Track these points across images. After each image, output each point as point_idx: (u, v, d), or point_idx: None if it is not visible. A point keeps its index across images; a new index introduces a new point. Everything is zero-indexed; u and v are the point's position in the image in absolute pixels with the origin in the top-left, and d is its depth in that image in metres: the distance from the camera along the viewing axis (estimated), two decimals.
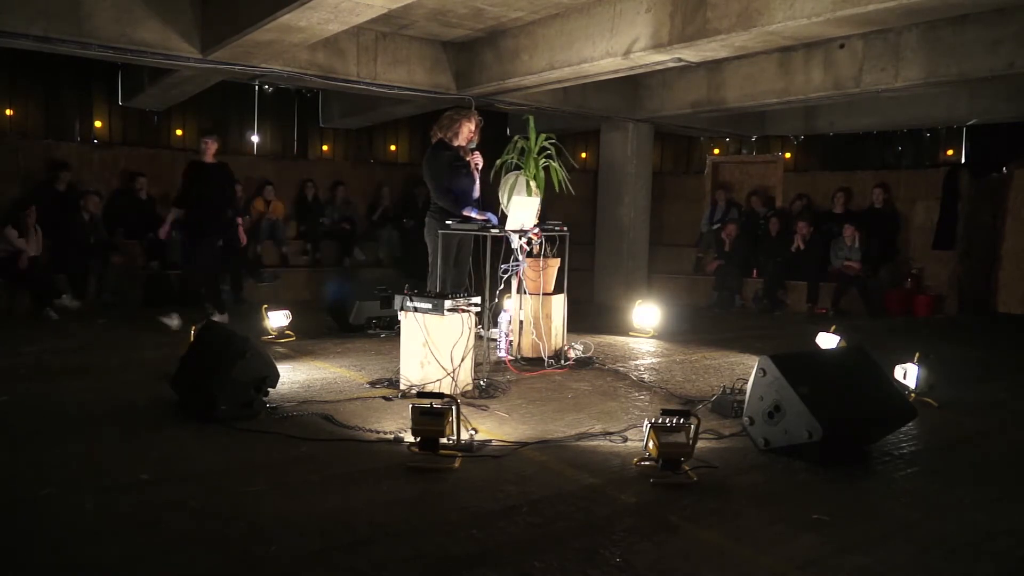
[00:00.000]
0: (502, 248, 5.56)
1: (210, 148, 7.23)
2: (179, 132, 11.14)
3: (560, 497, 3.12)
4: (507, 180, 5.86)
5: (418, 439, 3.44)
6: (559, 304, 6.04)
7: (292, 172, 11.32)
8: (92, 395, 4.60)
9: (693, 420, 3.33)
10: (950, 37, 7.20)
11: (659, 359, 6.35)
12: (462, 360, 4.69)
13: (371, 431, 3.95)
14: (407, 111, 10.69)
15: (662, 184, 12.18)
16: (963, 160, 10.93)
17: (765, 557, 2.65)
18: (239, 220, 8.07)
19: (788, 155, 12.39)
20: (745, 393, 3.97)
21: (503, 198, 5.83)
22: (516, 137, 5.83)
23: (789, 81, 8.62)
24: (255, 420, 4.06)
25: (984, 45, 6.98)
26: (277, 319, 6.61)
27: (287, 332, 6.64)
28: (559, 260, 5.98)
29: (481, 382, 4.96)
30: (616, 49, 7.04)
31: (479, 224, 5.55)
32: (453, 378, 4.63)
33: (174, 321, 7.00)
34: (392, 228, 11.32)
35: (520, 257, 5.66)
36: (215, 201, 7.26)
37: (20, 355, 5.73)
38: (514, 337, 5.92)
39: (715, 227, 11.38)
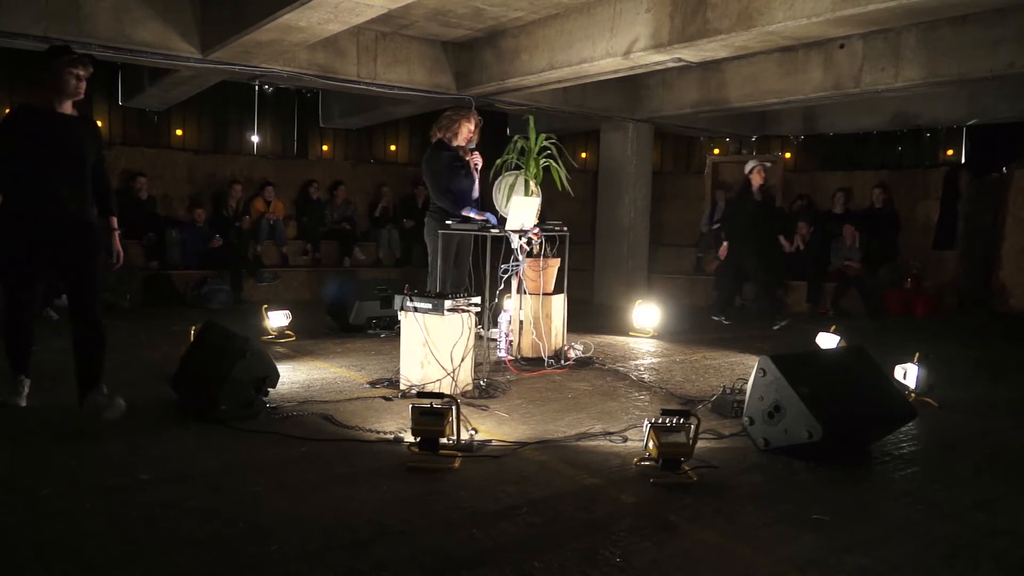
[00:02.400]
0: (502, 248, 5.56)
1: (80, 86, 3.95)
2: (179, 132, 11.16)
3: (560, 497, 3.12)
4: (505, 180, 5.86)
5: (418, 439, 3.44)
6: (559, 304, 6.04)
7: (292, 172, 11.33)
8: None
9: (693, 420, 3.33)
10: (950, 37, 7.20)
11: (659, 359, 6.35)
12: (462, 360, 4.69)
13: (371, 431, 3.95)
14: (407, 111, 10.70)
15: (662, 184, 12.17)
16: (963, 160, 10.94)
17: (765, 557, 2.65)
18: (112, 223, 4.32)
19: (788, 155, 12.39)
20: (745, 393, 3.97)
21: (499, 200, 5.82)
22: (516, 137, 5.82)
23: (789, 81, 8.63)
24: (255, 420, 4.06)
25: (984, 45, 6.99)
26: (277, 319, 6.62)
27: (287, 332, 6.64)
28: (559, 260, 5.98)
29: (481, 382, 4.96)
30: (616, 49, 7.04)
31: (479, 224, 5.55)
32: (453, 378, 4.63)
33: (21, 397, 4.29)
34: (392, 228, 11.33)
35: (520, 257, 5.66)
36: (50, 174, 3.92)
37: None
38: (514, 337, 5.91)
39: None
